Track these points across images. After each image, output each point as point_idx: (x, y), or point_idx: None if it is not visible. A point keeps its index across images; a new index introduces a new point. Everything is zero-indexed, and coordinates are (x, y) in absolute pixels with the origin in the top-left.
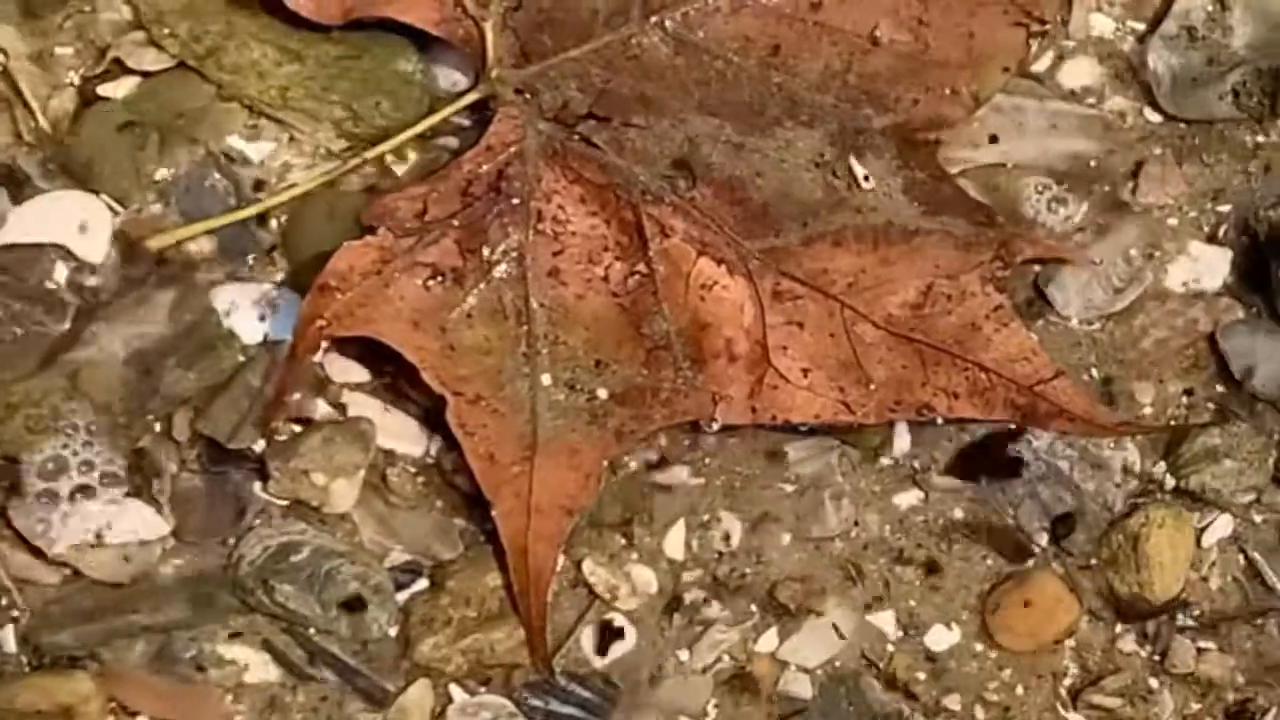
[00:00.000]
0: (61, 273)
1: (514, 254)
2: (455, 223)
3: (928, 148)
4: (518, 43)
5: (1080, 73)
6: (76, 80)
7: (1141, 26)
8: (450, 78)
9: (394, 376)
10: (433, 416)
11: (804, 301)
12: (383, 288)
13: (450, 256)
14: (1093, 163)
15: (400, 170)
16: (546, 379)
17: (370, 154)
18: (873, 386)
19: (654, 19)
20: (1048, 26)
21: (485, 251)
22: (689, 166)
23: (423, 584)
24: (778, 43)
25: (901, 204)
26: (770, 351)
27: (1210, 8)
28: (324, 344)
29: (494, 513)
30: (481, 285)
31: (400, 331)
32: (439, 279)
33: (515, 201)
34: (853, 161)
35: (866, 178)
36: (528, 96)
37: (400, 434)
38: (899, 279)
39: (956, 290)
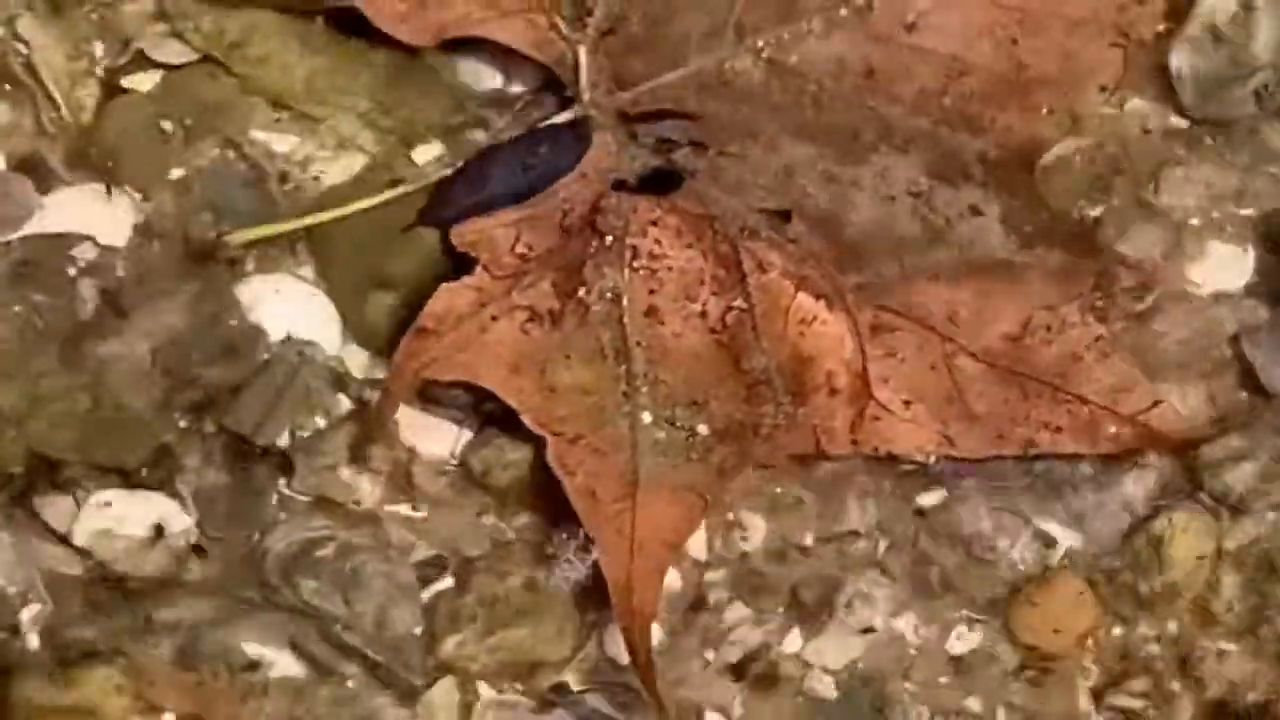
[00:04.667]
0: (85, 264)
1: (611, 294)
2: (552, 264)
3: (1024, 175)
4: (610, 66)
5: None
6: (100, 72)
7: (1164, 27)
8: (474, 70)
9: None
10: (459, 414)
11: (903, 334)
12: (480, 332)
13: (548, 299)
14: (1115, 163)
15: (422, 160)
16: (647, 417)
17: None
18: (974, 421)
19: (748, 42)
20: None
21: (582, 293)
22: (784, 199)
23: (448, 581)
24: (872, 65)
25: (998, 235)
26: (871, 384)
27: (1234, 9)
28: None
29: (596, 550)
30: (579, 326)
31: (499, 376)
32: (537, 321)
33: (610, 239)
34: (949, 192)
35: (961, 215)
36: (621, 121)
37: (426, 432)
38: (998, 311)
39: (1056, 321)
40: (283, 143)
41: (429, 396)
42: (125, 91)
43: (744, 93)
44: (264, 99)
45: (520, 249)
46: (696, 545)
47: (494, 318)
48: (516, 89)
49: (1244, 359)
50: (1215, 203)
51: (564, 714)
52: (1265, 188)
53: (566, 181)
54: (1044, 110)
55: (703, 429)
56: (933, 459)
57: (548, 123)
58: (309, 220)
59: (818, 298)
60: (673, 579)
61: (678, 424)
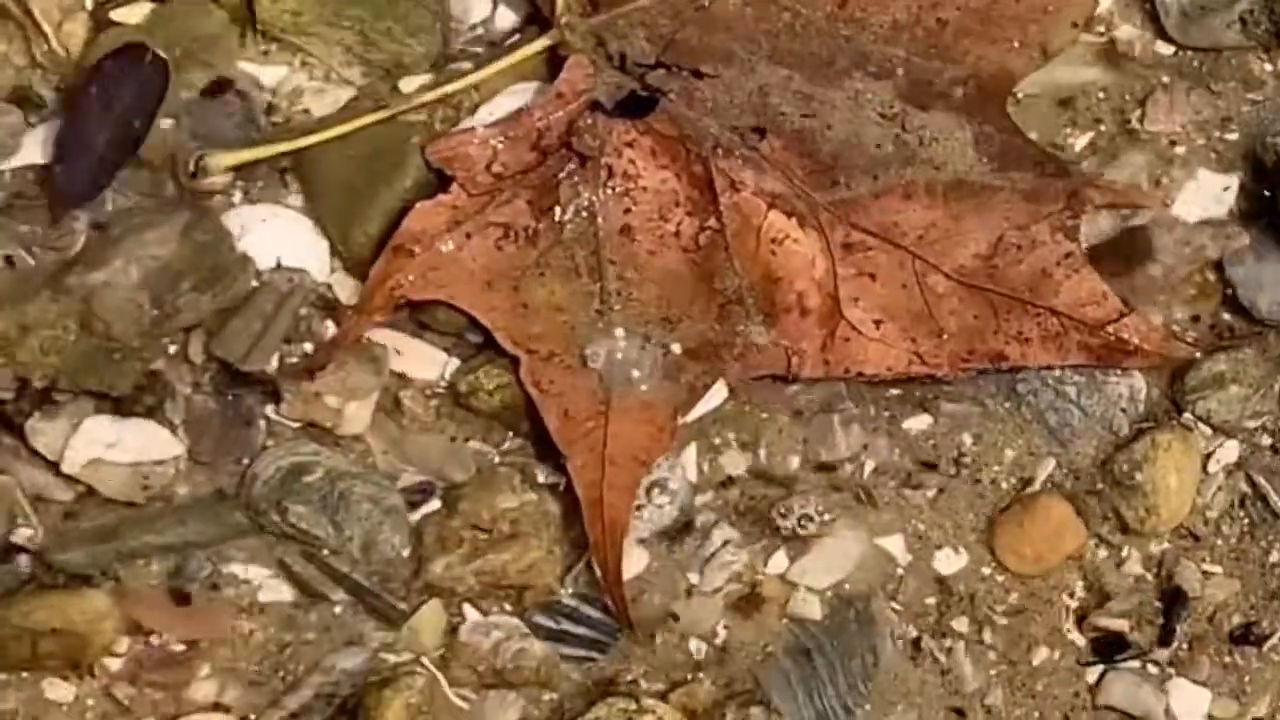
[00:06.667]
0: None
1: (585, 212)
2: (527, 183)
3: (997, 102)
4: None
5: None
6: (90, 4)
7: None
8: (462, 3)
9: (408, 300)
10: (446, 340)
11: (875, 253)
12: (456, 251)
13: (523, 216)
14: (1101, 91)
15: (408, 90)
16: (620, 334)
17: (429, 97)
18: (945, 337)
19: None
20: None
21: (557, 211)
22: (758, 117)
23: (435, 505)
24: None
25: (970, 159)
26: (842, 304)
27: None
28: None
29: (569, 466)
30: (554, 244)
31: (473, 294)
32: (512, 239)
33: (586, 158)
34: (922, 116)
35: (934, 138)
36: (597, 44)
37: (414, 357)
38: (969, 231)
39: (1026, 240)
40: (271, 75)
41: (420, 322)
42: (115, 24)
43: (717, 18)
44: (253, 31)
45: (496, 167)
46: (686, 468)
47: (469, 235)
48: (504, 22)
49: (1228, 283)
50: (1200, 129)
51: (548, 633)
52: (1249, 114)
53: (541, 102)
54: (1015, 43)
55: (675, 347)
56: None
57: (526, 50)
58: (289, 145)
59: (790, 216)
60: (660, 502)
61: (651, 342)
